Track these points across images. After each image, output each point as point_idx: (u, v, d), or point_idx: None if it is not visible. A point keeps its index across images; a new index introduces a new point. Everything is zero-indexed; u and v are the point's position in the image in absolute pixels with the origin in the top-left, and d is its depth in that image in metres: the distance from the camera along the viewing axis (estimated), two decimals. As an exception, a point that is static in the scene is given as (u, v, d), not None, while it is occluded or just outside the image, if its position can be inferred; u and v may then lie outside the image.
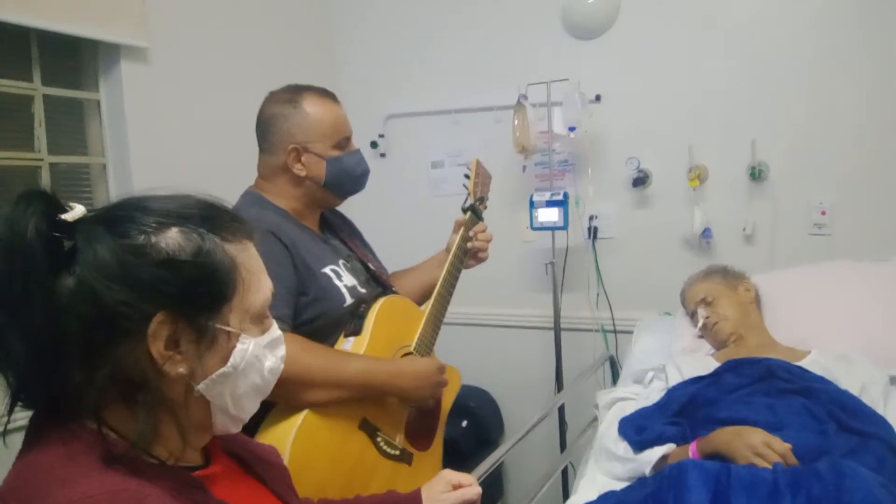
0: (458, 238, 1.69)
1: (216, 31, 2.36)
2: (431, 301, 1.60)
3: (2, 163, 1.84)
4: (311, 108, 1.46)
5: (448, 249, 1.73)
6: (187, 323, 0.68)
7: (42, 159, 1.93)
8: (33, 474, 0.62)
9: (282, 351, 0.80)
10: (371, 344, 1.42)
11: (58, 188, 1.96)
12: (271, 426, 1.29)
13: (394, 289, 1.63)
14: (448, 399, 1.66)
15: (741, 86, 2.33)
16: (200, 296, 0.69)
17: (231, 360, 0.72)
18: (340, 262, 1.51)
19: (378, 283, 1.60)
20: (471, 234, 1.70)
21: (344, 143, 1.51)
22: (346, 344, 1.42)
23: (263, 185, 1.52)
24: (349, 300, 1.45)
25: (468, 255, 1.70)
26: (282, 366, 0.80)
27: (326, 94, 1.51)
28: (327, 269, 1.45)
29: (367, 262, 1.60)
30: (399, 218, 2.77)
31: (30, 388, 0.67)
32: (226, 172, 2.22)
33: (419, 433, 1.55)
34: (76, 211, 0.67)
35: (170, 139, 2.18)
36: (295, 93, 1.48)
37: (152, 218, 0.68)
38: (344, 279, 1.47)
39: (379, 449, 1.41)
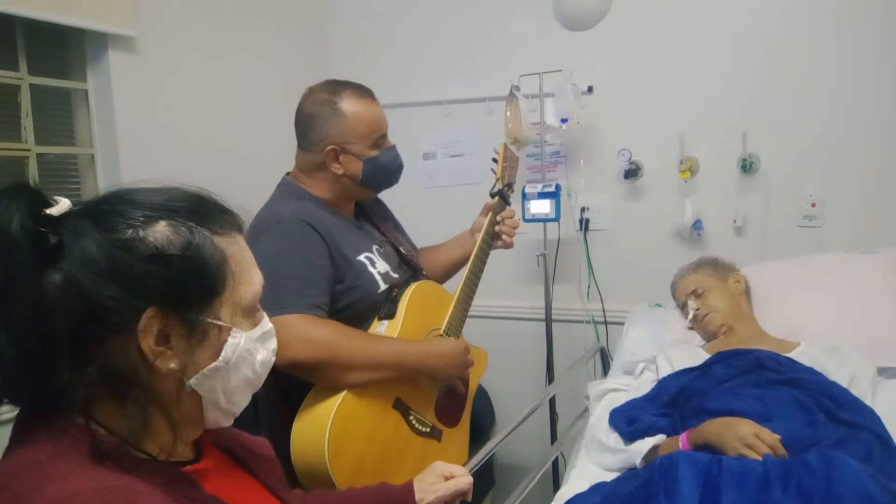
0: (486, 223, 1.73)
1: (206, 19, 2.33)
2: (461, 285, 1.65)
3: (-12, 153, 1.82)
4: (350, 108, 1.48)
5: (472, 231, 1.79)
6: (178, 318, 0.68)
7: (29, 150, 1.91)
8: (21, 471, 0.61)
9: (273, 344, 0.79)
10: (404, 327, 1.48)
11: (45, 179, 1.95)
12: (311, 406, 1.34)
13: (424, 272, 1.68)
14: (475, 378, 1.74)
15: (733, 78, 2.33)
16: (190, 290, 0.68)
17: (222, 354, 0.71)
18: (374, 247, 1.56)
19: (409, 266, 1.65)
20: (498, 218, 1.76)
21: (381, 140, 1.53)
22: (380, 327, 1.47)
23: (301, 177, 1.55)
24: (383, 286, 1.51)
25: (494, 238, 1.75)
26: (273, 359, 0.79)
27: (364, 93, 1.52)
28: (362, 257, 1.50)
29: (398, 247, 1.65)
30: (391, 209, 2.75)
31: (17, 385, 0.66)
32: (215, 162, 2.23)
33: (448, 411, 1.61)
34: (62, 205, 0.66)
35: (158, 129, 2.15)
36: (333, 92, 1.49)
37: (139, 211, 0.67)
38: (378, 266, 1.52)
39: (411, 426, 1.48)
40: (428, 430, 1.53)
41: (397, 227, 1.76)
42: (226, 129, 2.37)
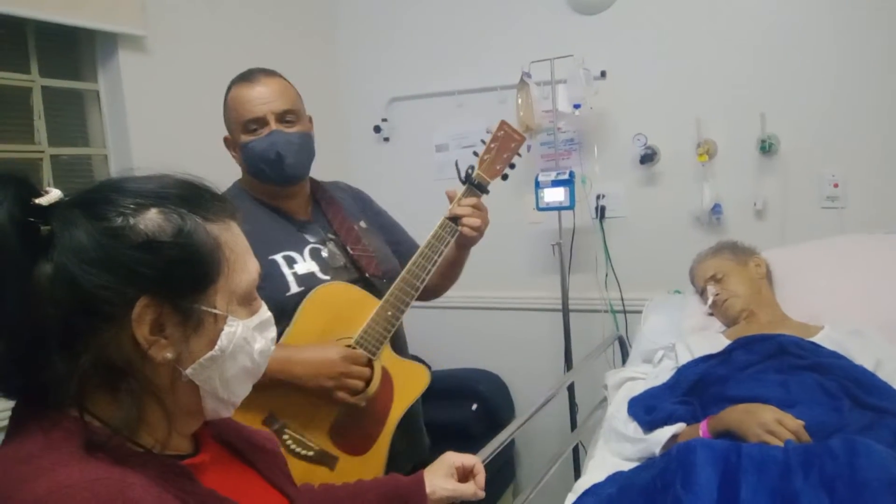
0: (441, 218, 1.44)
1: (215, 17, 2.33)
2: (391, 289, 1.41)
3: (2, 155, 1.84)
4: (229, 95, 1.44)
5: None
6: (171, 306, 0.66)
7: (43, 151, 1.93)
8: (12, 464, 0.61)
9: (272, 332, 0.78)
10: (294, 333, 1.33)
11: (60, 180, 1.97)
12: None
13: (371, 274, 1.47)
14: (406, 400, 1.45)
15: (749, 57, 2.27)
16: (183, 278, 0.67)
17: (219, 343, 0.70)
18: (308, 247, 1.42)
19: (356, 268, 1.47)
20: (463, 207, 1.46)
21: (251, 126, 1.39)
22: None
23: (242, 175, 1.52)
24: (295, 289, 1.36)
25: (453, 235, 1.43)
26: (273, 347, 0.78)
27: (245, 77, 1.42)
28: (278, 256, 1.38)
29: (347, 246, 1.47)
30: (403, 202, 2.70)
31: (9, 379, 0.66)
32: (227, 161, 2.22)
33: (351, 436, 1.39)
34: (51, 195, 0.65)
35: (170, 128, 2.16)
36: (233, 81, 1.46)
37: (130, 199, 0.66)
38: (297, 266, 1.38)
39: (286, 447, 1.31)
40: (311, 454, 1.33)
41: (374, 225, 1.58)
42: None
